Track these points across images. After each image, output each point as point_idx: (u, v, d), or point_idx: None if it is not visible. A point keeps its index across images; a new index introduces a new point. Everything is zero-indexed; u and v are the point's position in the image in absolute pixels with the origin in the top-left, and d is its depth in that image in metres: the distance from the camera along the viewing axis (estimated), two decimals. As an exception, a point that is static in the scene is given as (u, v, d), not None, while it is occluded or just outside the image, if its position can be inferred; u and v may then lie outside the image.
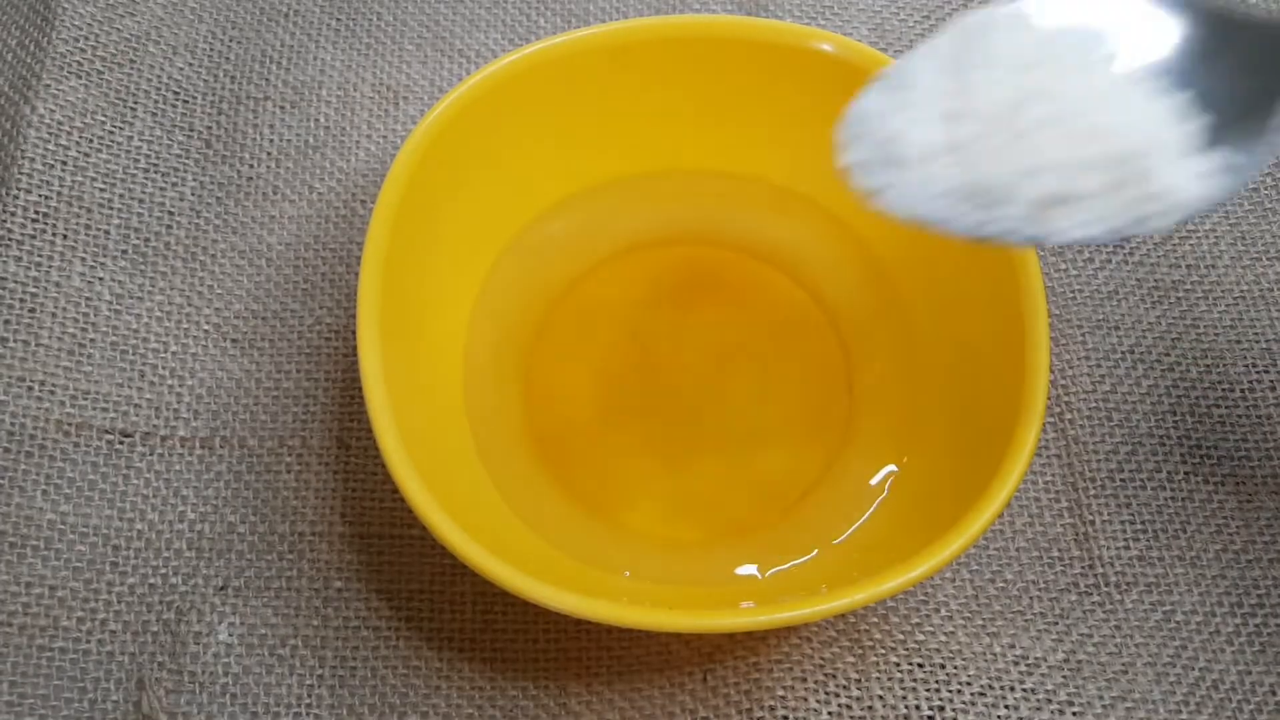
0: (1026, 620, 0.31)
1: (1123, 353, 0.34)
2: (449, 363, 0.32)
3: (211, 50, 0.37)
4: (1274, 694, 0.30)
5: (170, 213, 0.35)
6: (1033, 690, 0.30)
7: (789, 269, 0.34)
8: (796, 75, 0.32)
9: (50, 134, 0.35)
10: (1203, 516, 0.32)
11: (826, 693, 0.29)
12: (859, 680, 0.30)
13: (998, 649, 0.30)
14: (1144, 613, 0.31)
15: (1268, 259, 0.35)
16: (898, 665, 0.30)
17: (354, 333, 0.33)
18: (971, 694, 0.30)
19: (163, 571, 0.31)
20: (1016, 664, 0.30)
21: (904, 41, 0.39)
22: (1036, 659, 0.30)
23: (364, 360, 0.27)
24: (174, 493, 0.31)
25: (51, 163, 0.34)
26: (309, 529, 0.31)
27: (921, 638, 0.30)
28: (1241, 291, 0.35)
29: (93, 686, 0.29)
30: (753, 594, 0.29)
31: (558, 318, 0.33)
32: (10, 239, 0.33)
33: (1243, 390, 0.33)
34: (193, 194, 0.35)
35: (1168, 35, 0.23)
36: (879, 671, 0.30)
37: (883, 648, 0.30)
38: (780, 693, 0.29)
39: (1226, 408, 0.33)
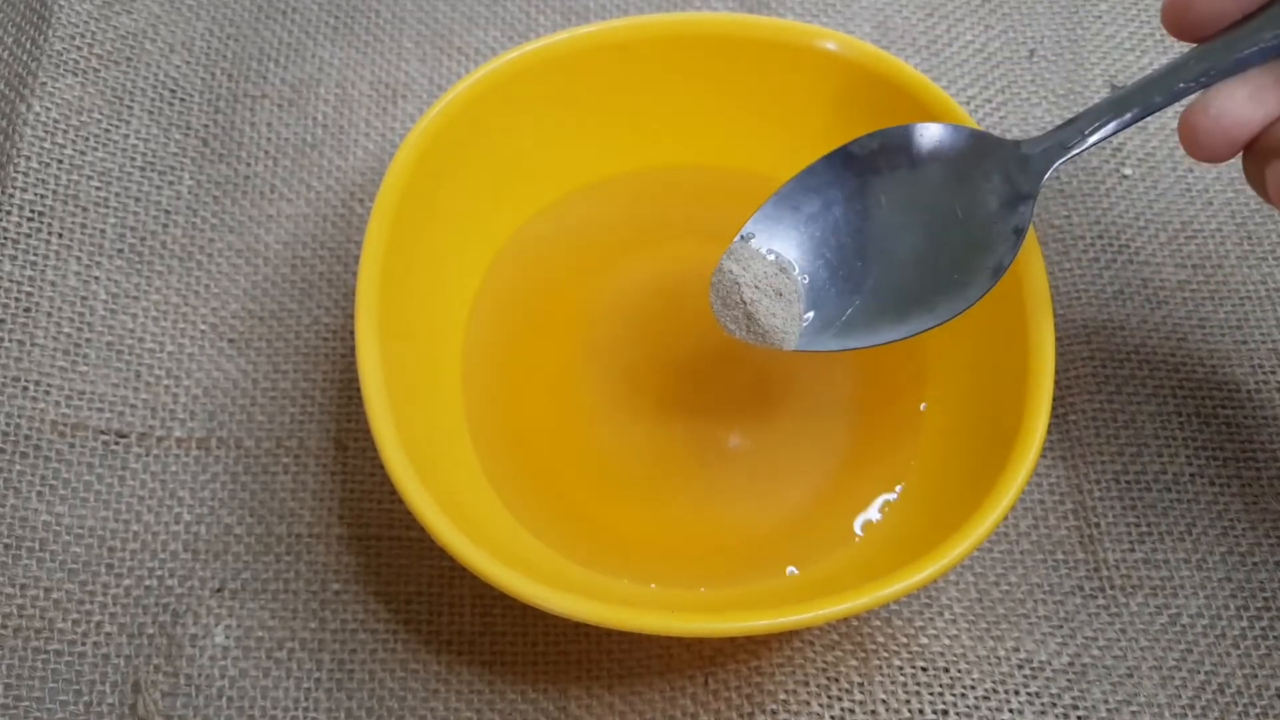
0: (1031, 623, 0.30)
1: (1127, 354, 0.34)
2: (447, 362, 0.32)
3: (208, 48, 0.37)
4: (1280, 698, 0.30)
5: (167, 211, 0.35)
6: (1037, 694, 0.29)
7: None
8: (800, 73, 0.32)
9: (46, 132, 0.34)
10: (1208, 519, 0.32)
11: (829, 696, 0.29)
12: (862, 684, 0.29)
13: (1002, 652, 0.30)
14: (1149, 616, 0.31)
15: (1273, 259, 0.35)
16: (901, 669, 0.30)
17: (352, 332, 0.33)
18: (975, 698, 0.29)
19: (159, 573, 0.30)
20: (1021, 668, 0.30)
21: (907, 39, 0.38)
22: (1041, 662, 0.30)
23: (362, 360, 0.27)
24: (170, 494, 0.31)
25: (47, 161, 0.34)
26: (306, 531, 0.31)
27: (925, 641, 0.30)
28: (1247, 292, 0.34)
29: (88, 689, 0.29)
30: (754, 598, 0.29)
31: (558, 316, 0.33)
32: (6, 238, 0.33)
33: (1248, 391, 0.33)
34: (189, 193, 0.35)
35: None
36: (882, 675, 0.29)
37: (886, 651, 0.30)
38: (782, 696, 0.29)
39: (1232, 409, 0.33)
